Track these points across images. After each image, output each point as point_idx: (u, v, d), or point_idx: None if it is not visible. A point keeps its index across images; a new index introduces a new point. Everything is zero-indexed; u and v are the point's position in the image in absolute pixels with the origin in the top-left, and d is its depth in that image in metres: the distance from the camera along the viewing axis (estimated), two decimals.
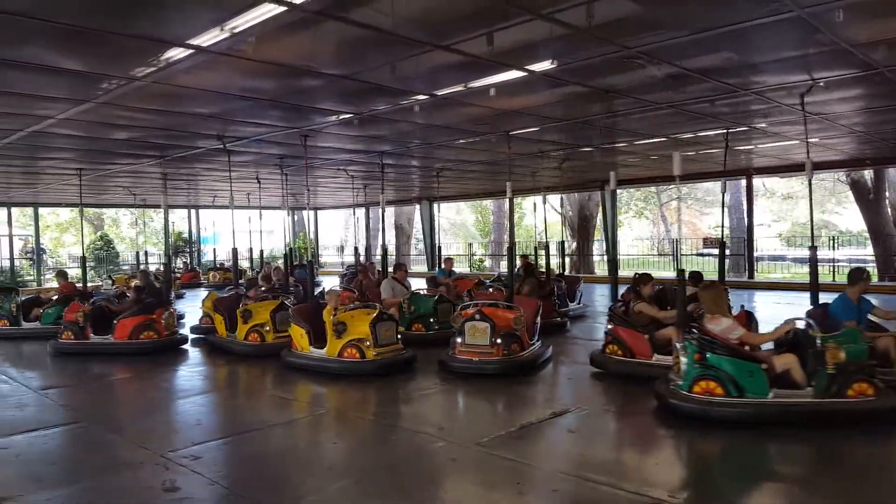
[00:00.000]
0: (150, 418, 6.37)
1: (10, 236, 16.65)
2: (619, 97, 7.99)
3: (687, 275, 7.37)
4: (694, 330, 5.81)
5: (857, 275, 6.80)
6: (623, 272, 21.96)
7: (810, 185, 8.86)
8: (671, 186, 33.22)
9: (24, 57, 5.70)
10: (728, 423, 5.37)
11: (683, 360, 5.72)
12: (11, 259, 17.70)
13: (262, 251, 11.53)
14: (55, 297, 11.57)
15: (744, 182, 19.72)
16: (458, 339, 7.68)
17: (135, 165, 12.89)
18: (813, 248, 8.16)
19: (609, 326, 7.53)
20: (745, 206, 20.66)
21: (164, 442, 5.38)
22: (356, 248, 17.02)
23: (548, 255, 13.45)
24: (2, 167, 12.66)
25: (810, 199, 8.88)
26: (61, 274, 12.63)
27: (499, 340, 7.50)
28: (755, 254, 19.51)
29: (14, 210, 21.33)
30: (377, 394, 7.11)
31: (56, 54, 5.71)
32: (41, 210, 24.89)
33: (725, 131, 10.18)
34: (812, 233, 8.40)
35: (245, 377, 8.31)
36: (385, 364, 7.62)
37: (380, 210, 13.84)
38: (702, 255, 24.95)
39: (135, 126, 9.04)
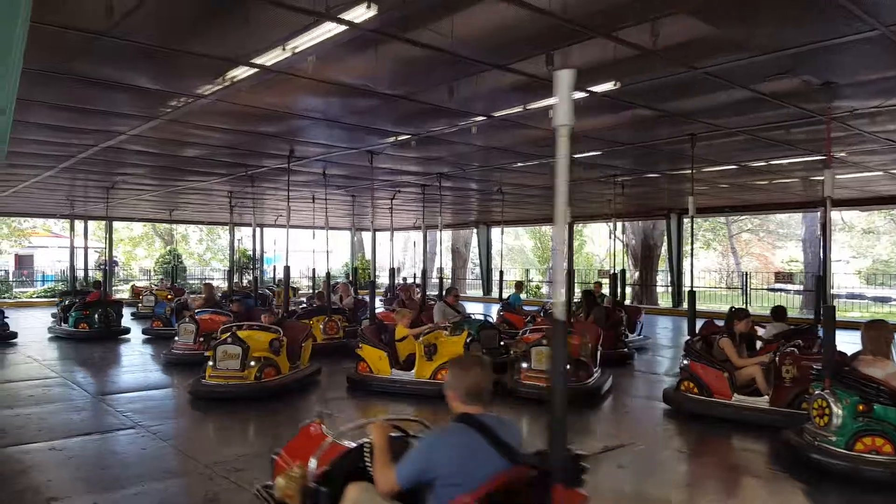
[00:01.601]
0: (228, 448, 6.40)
1: (86, 248, 17.40)
2: (688, 121, 7.71)
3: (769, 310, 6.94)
4: (847, 375, 5.06)
5: None
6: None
7: None
8: (742, 217, 32.10)
9: (100, 75, 5.95)
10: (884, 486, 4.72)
11: (837, 410, 4.95)
12: (86, 270, 18.51)
13: (328, 272, 11.56)
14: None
15: (820, 215, 18.77)
16: (525, 365, 7.62)
17: (202, 183, 13.31)
18: None
19: (685, 362, 7.07)
20: (821, 241, 19.62)
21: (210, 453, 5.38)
22: (392, 270, 17.10)
23: (613, 285, 13.05)
24: (79, 181, 13.27)
25: None
26: (207, 285, 13.52)
27: (567, 367, 7.24)
28: (832, 291, 18.34)
29: (91, 224, 22.42)
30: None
31: (129, 72, 5.92)
32: (115, 224, 26.11)
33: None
34: None
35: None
36: None
37: (436, 233, 13.80)
38: (773, 290, 23.85)
39: (201, 144, 9.31)
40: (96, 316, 12.75)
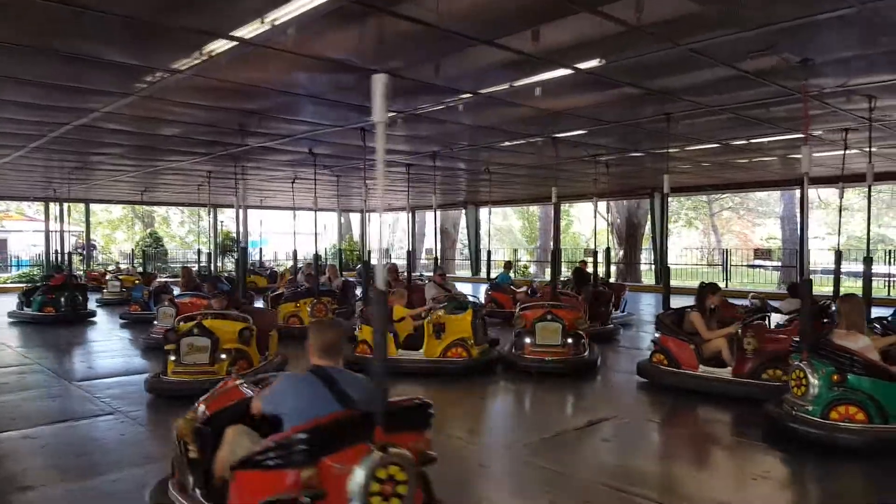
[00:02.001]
0: None
1: (62, 231, 17.11)
2: (671, 99, 7.71)
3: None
4: (824, 347, 5.16)
5: None
6: (672, 282, 21.43)
7: (870, 193, 8.37)
8: (723, 196, 32.35)
9: (71, 48, 5.77)
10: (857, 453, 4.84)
11: (814, 381, 5.06)
12: (62, 253, 18.21)
13: (316, 253, 11.45)
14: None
15: (798, 192, 18.99)
16: (528, 340, 7.86)
17: (182, 163, 13.11)
18: (868, 261, 7.63)
19: (657, 335, 7.32)
20: (798, 218, 19.88)
21: None
22: (368, 252, 17.02)
23: (596, 263, 13.13)
24: (55, 162, 13.00)
25: (868, 210, 8.38)
26: (185, 268, 13.57)
27: (570, 340, 7.79)
28: (809, 267, 18.63)
29: (67, 207, 22.01)
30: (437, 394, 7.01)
31: (102, 46, 5.75)
32: (94, 207, 25.70)
33: (844, 132, 9.49)
34: (868, 245, 7.86)
35: None
36: (484, 361, 7.91)
37: (424, 214, 13.75)
38: (752, 266, 24.16)
39: (179, 122, 9.13)
40: (62, 300, 12.64)
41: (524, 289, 13.29)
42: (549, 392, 7.15)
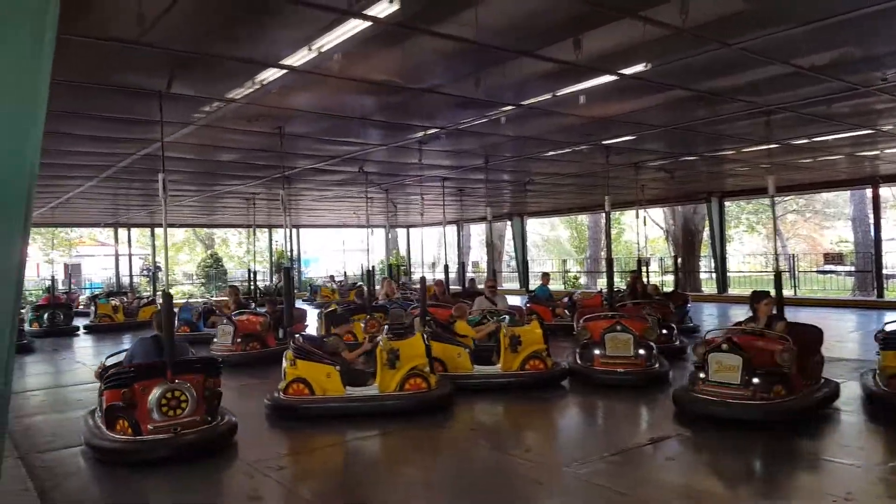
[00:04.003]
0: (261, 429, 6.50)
1: (130, 255, 17.90)
2: (722, 100, 7.50)
3: None
4: None
5: None
6: (734, 290, 20.77)
7: None
8: (787, 198, 31.18)
9: (135, 84, 6.07)
10: None
11: None
12: (130, 276, 19.02)
13: (370, 269, 11.58)
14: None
15: (870, 192, 18.07)
16: (598, 351, 7.73)
17: (238, 186, 13.52)
18: None
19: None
20: (871, 219, 18.92)
21: (252, 452, 5.46)
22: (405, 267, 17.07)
23: (648, 272, 12.77)
24: (122, 189, 13.60)
25: None
26: (232, 287, 13.89)
27: (641, 351, 7.64)
28: (884, 271, 17.68)
29: (134, 231, 23.02)
30: (504, 407, 7.07)
31: (164, 80, 6.01)
32: (158, 230, 26.70)
33: None
34: None
35: None
36: (557, 373, 7.77)
37: (469, 227, 13.72)
38: (822, 272, 23.09)
39: (235, 148, 9.43)
40: (45, 316, 14.36)
41: (565, 299, 13.09)
42: (613, 406, 7.01)
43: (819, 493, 4.37)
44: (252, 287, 15.66)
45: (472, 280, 15.29)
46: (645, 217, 13.79)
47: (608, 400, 7.20)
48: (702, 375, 6.11)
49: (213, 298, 16.76)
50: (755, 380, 5.76)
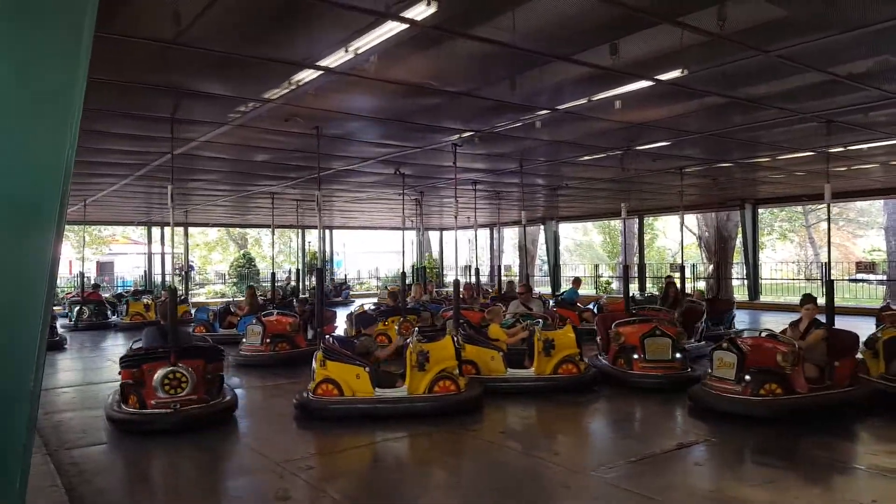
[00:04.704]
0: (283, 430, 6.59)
1: (163, 253, 18.24)
2: (759, 107, 7.41)
3: None
4: None
5: None
6: (766, 297, 20.47)
7: None
8: (820, 206, 30.58)
9: (171, 83, 6.19)
10: None
11: None
12: (163, 275, 19.37)
13: (403, 271, 11.67)
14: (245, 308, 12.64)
15: None
16: (636, 356, 7.84)
17: (272, 187, 13.70)
18: None
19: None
20: None
21: (281, 452, 5.54)
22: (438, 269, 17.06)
23: (683, 278, 12.64)
24: (156, 189, 13.88)
25: None
26: (250, 288, 13.86)
27: (679, 355, 7.88)
28: None
29: (167, 230, 23.37)
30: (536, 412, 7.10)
31: (197, 79, 6.15)
32: (192, 230, 27.21)
33: None
34: None
35: None
36: (590, 376, 7.85)
37: (502, 231, 13.70)
38: (855, 280, 22.62)
39: (270, 148, 9.57)
40: (76, 311, 15.03)
41: (591, 305, 13.00)
42: (647, 409, 7.05)
43: (842, 500, 4.35)
44: (273, 288, 15.81)
45: (511, 283, 15.30)
46: (683, 223, 13.65)
47: (640, 403, 7.22)
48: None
49: (235, 299, 16.93)
50: (747, 377, 6.28)
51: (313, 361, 6.74)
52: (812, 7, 4.61)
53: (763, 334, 6.97)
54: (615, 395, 7.59)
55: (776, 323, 7.29)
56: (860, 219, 34.25)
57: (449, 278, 32.32)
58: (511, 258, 35.34)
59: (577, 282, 14.79)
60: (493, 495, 4.53)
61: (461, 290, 12.94)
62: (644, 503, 4.27)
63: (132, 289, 21.31)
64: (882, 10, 4.62)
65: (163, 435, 5.96)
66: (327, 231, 27.55)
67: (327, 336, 7.34)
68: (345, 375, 6.57)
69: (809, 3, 4.54)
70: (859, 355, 7.02)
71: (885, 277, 22.26)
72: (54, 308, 14.27)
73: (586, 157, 10.82)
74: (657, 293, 13.39)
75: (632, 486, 4.54)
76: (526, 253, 17.86)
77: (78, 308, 15.37)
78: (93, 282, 18.68)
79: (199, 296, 25.29)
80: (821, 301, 7.51)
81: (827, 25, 4.90)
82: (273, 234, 18.09)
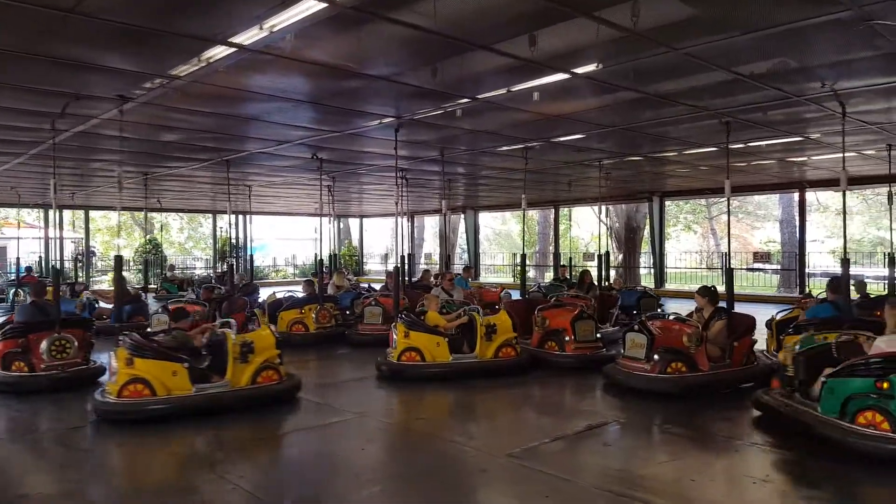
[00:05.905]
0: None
1: (60, 238, 17.11)
2: (667, 103, 7.72)
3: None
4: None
5: None
6: (671, 285, 21.57)
7: (844, 197, 8.52)
8: (721, 199, 32.37)
9: (69, 55, 5.78)
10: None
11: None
12: (61, 260, 18.20)
13: (320, 258, 11.46)
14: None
15: (797, 196, 19.01)
16: (566, 339, 8.34)
17: (181, 169, 13.11)
18: (845, 262, 7.41)
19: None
20: (797, 221, 19.90)
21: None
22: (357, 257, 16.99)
23: (600, 267, 13.08)
24: (50, 169, 12.97)
25: (843, 213, 8.41)
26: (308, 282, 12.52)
27: (598, 335, 8.65)
28: (807, 270, 18.80)
29: (66, 213, 22.02)
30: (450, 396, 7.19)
31: (101, 52, 5.77)
32: (92, 213, 25.70)
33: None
34: (845, 247, 7.86)
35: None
36: (527, 360, 8.23)
37: (423, 220, 13.70)
38: (752, 269, 24.13)
39: (178, 128, 9.15)
40: None
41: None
42: (565, 389, 7.54)
43: (739, 476, 4.68)
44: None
45: (427, 271, 15.46)
46: (599, 214, 14.16)
47: (562, 383, 7.72)
48: (622, 351, 7.39)
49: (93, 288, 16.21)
50: (655, 356, 6.83)
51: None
52: (718, 8, 4.84)
53: (671, 317, 7.57)
54: (546, 376, 7.98)
55: (680, 308, 7.76)
56: (758, 212, 36.48)
57: (368, 266, 32.14)
58: (431, 246, 35.46)
59: (466, 270, 15.52)
60: (409, 481, 4.55)
61: (388, 279, 12.90)
62: (559, 484, 4.40)
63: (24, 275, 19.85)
64: (780, 15, 4.89)
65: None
66: (240, 216, 26.65)
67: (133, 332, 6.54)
68: (157, 373, 5.99)
69: (716, 3, 4.75)
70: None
71: (779, 266, 23.84)
72: None
73: (504, 147, 10.96)
74: (558, 282, 14.02)
75: (546, 468, 4.66)
76: (447, 241, 17.95)
77: None
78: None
79: (102, 283, 23.89)
80: (721, 288, 7.98)
81: (732, 26, 5.15)
82: (213, 219, 17.06)
